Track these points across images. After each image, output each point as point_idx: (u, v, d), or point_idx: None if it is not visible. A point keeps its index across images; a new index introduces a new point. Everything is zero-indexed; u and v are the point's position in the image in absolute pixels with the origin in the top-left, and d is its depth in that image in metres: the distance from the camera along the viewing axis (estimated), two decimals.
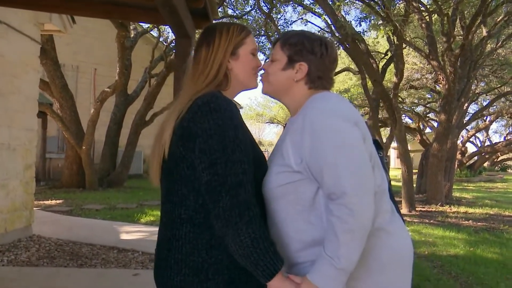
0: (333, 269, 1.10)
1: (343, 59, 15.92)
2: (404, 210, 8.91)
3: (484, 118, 22.09)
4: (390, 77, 14.53)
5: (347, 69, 14.85)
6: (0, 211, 4.55)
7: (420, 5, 9.16)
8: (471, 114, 18.21)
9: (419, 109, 20.83)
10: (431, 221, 7.92)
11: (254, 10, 13.22)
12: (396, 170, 20.22)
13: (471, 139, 24.91)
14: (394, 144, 16.94)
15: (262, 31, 13.23)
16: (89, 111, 11.49)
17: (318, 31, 13.52)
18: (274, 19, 12.77)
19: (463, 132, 20.09)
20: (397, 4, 9.81)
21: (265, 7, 12.39)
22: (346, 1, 10.63)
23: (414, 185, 10.99)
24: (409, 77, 15.77)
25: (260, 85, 1.43)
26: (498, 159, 28.98)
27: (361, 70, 10.20)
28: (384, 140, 12.33)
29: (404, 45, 9.99)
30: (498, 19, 10.60)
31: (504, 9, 10.51)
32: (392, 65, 11.48)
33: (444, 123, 10.19)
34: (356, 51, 9.19)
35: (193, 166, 1.18)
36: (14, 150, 4.77)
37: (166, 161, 1.23)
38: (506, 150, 21.65)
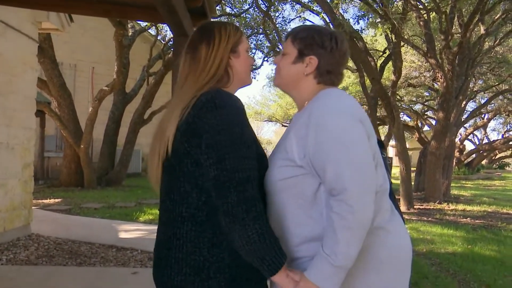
0: (330, 266, 1.10)
1: None
2: (402, 207, 8.93)
3: (482, 116, 22.13)
4: (388, 75, 14.53)
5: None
6: None
7: (418, 3, 9.16)
8: (469, 112, 18.24)
9: (417, 107, 20.85)
10: (429, 218, 7.95)
11: (252, 8, 13.21)
12: (394, 168, 20.22)
13: (469, 137, 24.94)
14: (392, 142, 16.95)
15: (260, 29, 13.23)
16: (87, 109, 11.48)
17: None
18: (272, 17, 12.77)
19: (461, 130, 20.13)
20: (395, 2, 9.80)
21: (263, 5, 12.37)
22: None
23: (412, 183, 11.02)
24: (407, 75, 15.78)
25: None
26: (496, 157, 29.03)
27: (359, 68, 10.21)
28: (382, 138, 12.36)
29: (402, 43, 10.01)
30: (496, 17, 10.63)
31: (502, 7, 10.53)
32: (390, 63, 11.48)
33: (442, 121, 10.21)
34: (354, 49, 9.19)
35: (198, 162, 1.18)
36: (13, 149, 4.77)
37: (169, 158, 1.22)
38: (504, 148, 21.69)
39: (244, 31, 14.19)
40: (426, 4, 9.41)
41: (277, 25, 12.98)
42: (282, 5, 13.23)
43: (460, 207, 9.76)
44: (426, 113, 21.39)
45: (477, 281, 4.10)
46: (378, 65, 11.75)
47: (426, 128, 22.62)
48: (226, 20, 13.61)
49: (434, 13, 9.68)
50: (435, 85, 15.61)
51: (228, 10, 13.32)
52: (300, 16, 13.86)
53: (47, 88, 9.92)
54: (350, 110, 1.21)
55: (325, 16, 10.79)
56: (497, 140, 22.63)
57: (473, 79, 15.20)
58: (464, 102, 14.37)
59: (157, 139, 1.26)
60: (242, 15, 13.20)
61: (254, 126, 41.27)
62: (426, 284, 3.91)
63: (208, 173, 1.15)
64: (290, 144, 1.23)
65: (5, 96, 4.63)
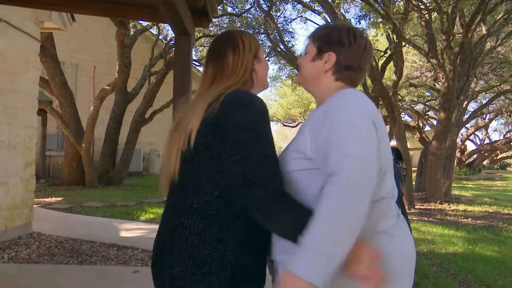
0: (312, 253, 1.02)
1: None
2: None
3: (484, 116, 22.09)
4: (389, 75, 14.53)
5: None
6: (0, 208, 4.56)
7: (419, 3, 9.16)
8: (470, 112, 18.24)
9: (419, 107, 20.84)
10: (430, 219, 7.94)
11: (253, 8, 13.22)
12: None
13: (470, 137, 24.93)
14: (393, 142, 16.95)
15: (262, 29, 13.22)
16: (88, 108, 11.50)
17: None
18: (274, 17, 12.77)
19: (463, 130, 20.10)
20: (397, 2, 9.81)
21: (265, 5, 12.38)
22: None
23: (413, 183, 11.01)
24: (409, 75, 15.78)
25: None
26: (498, 157, 29.01)
27: None
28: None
29: (403, 43, 9.99)
30: (498, 17, 10.60)
31: (503, 7, 10.51)
32: (391, 63, 11.49)
33: (444, 121, 10.20)
34: None
35: (218, 157, 1.19)
36: (14, 147, 4.78)
37: (189, 149, 1.23)
38: (505, 148, 21.67)
39: (246, 31, 14.22)
40: (427, 4, 9.41)
41: (278, 25, 12.99)
42: (283, 5, 13.24)
43: (461, 207, 9.75)
44: (427, 113, 21.37)
45: (478, 282, 4.11)
46: (380, 65, 11.75)
47: (427, 128, 22.61)
48: (227, 19, 13.65)
49: (435, 13, 9.68)
50: (437, 85, 15.59)
51: (229, 9, 13.34)
52: (301, 16, 13.87)
53: (49, 87, 9.95)
54: (365, 109, 1.20)
55: (326, 16, 10.77)
56: (499, 140, 22.59)
57: (475, 79, 15.19)
58: (465, 102, 14.35)
59: (177, 131, 1.28)
60: (243, 14, 13.21)
61: None
62: (427, 284, 3.91)
63: (232, 170, 1.17)
64: (304, 138, 1.24)
65: (7, 94, 4.64)
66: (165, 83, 11.98)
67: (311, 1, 11.78)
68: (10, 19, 4.63)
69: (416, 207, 9.35)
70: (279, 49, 13.40)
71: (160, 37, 13.18)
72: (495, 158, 28.94)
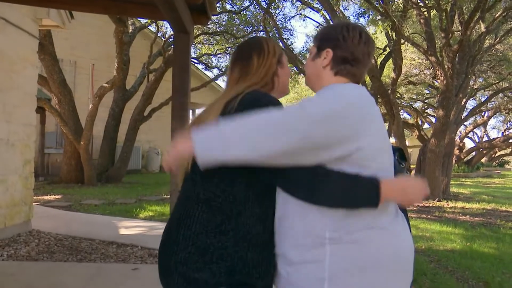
0: (218, 132, 1.16)
1: None
2: None
3: (482, 113, 22.13)
4: (388, 72, 14.54)
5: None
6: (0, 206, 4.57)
7: (418, 1, 9.16)
8: (469, 110, 18.27)
9: (417, 104, 20.87)
10: (429, 216, 7.96)
11: (252, 5, 13.21)
12: None
13: (469, 135, 24.96)
14: (392, 140, 16.98)
15: (261, 27, 13.22)
16: (87, 106, 11.49)
17: (316, 27, 13.50)
18: (273, 14, 12.76)
19: (461, 128, 20.13)
20: (396, 0, 9.81)
21: (264, 2, 12.38)
22: None
23: None
24: (407, 73, 15.79)
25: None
26: (496, 155, 29.09)
27: None
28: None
29: (402, 41, 10.01)
30: (497, 15, 10.60)
31: (502, 5, 10.51)
32: (390, 60, 11.50)
33: (442, 118, 10.22)
34: None
35: None
36: (13, 145, 4.78)
37: None
38: (503, 146, 21.70)
39: (244, 28, 14.23)
40: (426, 2, 9.41)
41: (277, 23, 12.98)
42: (282, 2, 13.26)
43: (459, 204, 9.77)
44: (426, 110, 21.41)
45: (475, 278, 4.12)
46: (378, 62, 11.76)
47: (426, 125, 22.64)
48: (226, 17, 13.64)
49: (434, 10, 9.68)
50: (435, 83, 15.62)
51: (228, 7, 13.32)
52: (300, 14, 13.87)
53: (47, 85, 9.93)
54: (348, 98, 1.21)
55: (325, 14, 10.78)
56: (497, 138, 22.64)
57: (473, 77, 15.19)
58: (464, 100, 14.35)
59: (195, 126, 1.33)
60: (242, 12, 13.20)
61: None
62: (425, 281, 3.93)
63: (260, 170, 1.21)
64: None
65: (5, 92, 4.64)
66: (164, 81, 11.97)
67: None
68: (8, 17, 4.62)
69: (414, 204, 9.37)
70: None
71: (159, 35, 13.17)
72: (493, 155, 29.02)
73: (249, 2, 13.12)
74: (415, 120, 19.16)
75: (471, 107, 19.10)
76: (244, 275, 1.22)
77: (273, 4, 12.41)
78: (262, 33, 13.31)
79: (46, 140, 12.34)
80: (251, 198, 1.25)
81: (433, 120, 17.69)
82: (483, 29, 10.80)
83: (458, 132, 17.55)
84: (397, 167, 1.44)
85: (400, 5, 9.54)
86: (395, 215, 1.31)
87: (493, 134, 37.11)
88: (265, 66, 1.42)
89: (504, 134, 25.60)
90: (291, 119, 1.13)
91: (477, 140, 28.52)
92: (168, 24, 11.75)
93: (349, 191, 1.17)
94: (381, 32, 10.37)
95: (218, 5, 11.09)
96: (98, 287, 3.40)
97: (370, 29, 12.21)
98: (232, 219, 1.23)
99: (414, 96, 19.41)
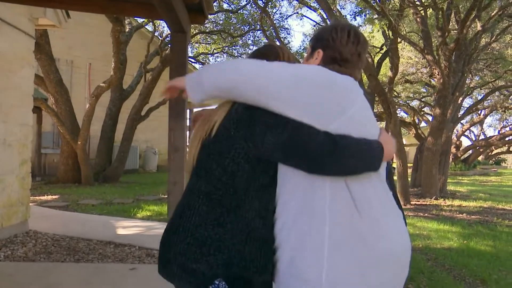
0: (202, 71, 1.31)
1: None
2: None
3: (479, 112, 22.19)
4: (385, 71, 14.56)
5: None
6: None
7: (415, 0, 9.18)
8: (465, 108, 18.27)
9: (414, 103, 20.90)
10: (426, 214, 7.99)
11: (249, 4, 13.20)
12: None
13: (465, 133, 25.04)
14: None
15: (258, 26, 13.21)
16: (84, 106, 11.46)
17: (313, 26, 13.51)
18: (270, 13, 12.75)
19: (458, 126, 20.17)
20: None
21: (261, 1, 12.37)
22: None
23: (409, 179, 11.06)
24: (404, 71, 15.80)
25: None
26: (492, 153, 29.17)
27: None
28: None
29: (399, 40, 10.01)
30: (493, 14, 10.63)
31: (498, 3, 10.54)
32: (387, 59, 11.50)
33: (439, 117, 10.24)
34: None
35: (234, 147, 1.26)
36: (10, 145, 4.77)
37: (209, 138, 1.31)
38: (500, 144, 21.78)
39: (241, 27, 14.22)
40: (423, 1, 9.42)
41: (274, 22, 12.98)
42: (279, 1, 13.29)
43: (456, 202, 9.81)
44: (423, 109, 21.44)
45: (472, 276, 4.15)
46: (375, 61, 11.78)
47: (423, 124, 22.68)
48: (223, 16, 13.63)
49: (431, 9, 9.70)
50: (432, 82, 15.64)
51: (225, 6, 13.31)
52: (297, 13, 13.86)
53: (44, 85, 9.90)
54: (330, 74, 1.25)
55: (322, 13, 10.79)
56: (494, 136, 22.68)
57: (470, 75, 15.23)
58: (460, 98, 14.39)
59: (203, 122, 1.36)
60: (239, 11, 13.20)
61: None
62: (422, 279, 3.95)
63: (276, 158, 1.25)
64: None
65: (2, 92, 4.62)
66: (161, 80, 11.96)
67: None
68: (4, 16, 4.60)
69: (412, 202, 9.40)
70: None
71: (155, 34, 13.15)
72: (490, 153, 29.11)
73: (246, 1, 13.12)
74: (412, 118, 19.17)
75: (467, 106, 19.11)
76: (241, 269, 1.23)
77: (270, 3, 12.41)
78: (259, 32, 13.31)
79: (43, 140, 12.30)
80: (251, 192, 1.27)
81: (430, 118, 17.73)
82: (479, 28, 10.82)
83: (455, 131, 17.61)
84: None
85: (397, 4, 9.54)
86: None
87: (490, 132, 37.32)
88: None
89: (500, 132, 25.68)
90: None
91: (473, 138, 28.64)
92: (165, 23, 11.74)
93: (366, 154, 1.22)
94: (378, 31, 10.38)
95: (215, 4, 11.08)
96: (96, 287, 3.40)
97: (367, 28, 12.25)
98: (231, 212, 1.25)
99: (411, 95, 19.43)
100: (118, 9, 3.60)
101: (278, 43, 12.95)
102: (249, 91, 1.20)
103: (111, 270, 3.84)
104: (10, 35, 4.77)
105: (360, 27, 11.72)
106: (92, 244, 4.68)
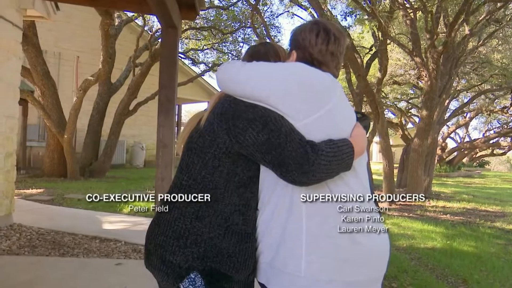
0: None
1: None
2: (384, 203, 9.06)
3: (464, 114, 22.48)
4: (374, 72, 14.66)
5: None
6: None
7: (405, 2, 9.26)
8: (452, 111, 18.52)
9: (402, 104, 21.09)
10: (411, 214, 8.10)
11: (240, 2, 13.16)
12: (377, 164, 20.50)
13: (451, 135, 25.35)
14: (376, 139, 17.17)
15: (248, 23, 13.19)
16: (71, 99, 11.32)
17: None
18: (261, 11, 12.74)
19: (444, 128, 20.44)
20: (383, 0, 9.90)
21: None
22: None
23: (395, 179, 11.19)
24: (393, 73, 15.94)
25: None
26: (477, 155, 29.56)
27: (345, 65, 10.29)
28: (367, 134, 12.48)
29: (388, 41, 10.10)
30: (480, 18, 10.79)
31: (486, 8, 10.70)
32: (376, 60, 11.59)
33: (426, 118, 10.36)
34: None
35: (216, 142, 1.27)
36: None
37: (195, 131, 1.34)
38: (484, 147, 22.09)
39: (232, 24, 14.18)
40: (413, 3, 9.51)
41: (265, 19, 12.96)
42: None
43: (441, 203, 9.95)
44: (410, 110, 21.65)
45: (455, 276, 4.22)
46: (365, 62, 11.86)
47: (409, 125, 22.91)
48: (214, 12, 13.57)
49: (420, 12, 9.80)
50: (420, 83, 15.80)
51: (216, 2, 13.25)
52: (288, 11, 13.87)
53: (30, 77, 9.74)
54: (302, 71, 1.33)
55: (313, 11, 10.82)
56: (478, 138, 23.04)
57: (457, 78, 15.44)
58: (447, 101, 14.58)
59: (195, 116, 1.40)
60: (230, 8, 13.15)
61: None
62: (406, 278, 4.00)
63: (257, 159, 1.26)
64: None
65: None
66: (150, 75, 11.86)
67: None
68: None
69: (397, 202, 9.52)
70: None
71: (145, 28, 13.03)
72: (474, 156, 29.50)
73: None
74: (399, 119, 19.35)
75: (454, 108, 19.38)
76: (217, 263, 1.24)
77: (261, 1, 12.39)
78: (249, 29, 13.29)
79: (28, 133, 12.13)
80: (231, 187, 1.28)
81: (417, 120, 17.94)
82: (467, 32, 10.97)
83: (440, 132, 17.84)
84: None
85: (387, 5, 9.63)
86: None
87: (475, 135, 37.81)
88: None
89: (485, 135, 26.05)
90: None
91: (459, 141, 28.98)
92: (155, 17, 11.64)
93: (339, 158, 1.22)
94: (368, 32, 10.46)
95: (206, 0, 11.03)
96: (81, 282, 3.38)
97: (357, 29, 12.32)
98: (209, 206, 1.26)
99: (399, 96, 19.61)
100: (108, 2, 3.58)
101: (268, 41, 12.96)
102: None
103: (96, 265, 3.82)
104: None
105: (350, 27, 11.80)
106: (78, 238, 4.64)
